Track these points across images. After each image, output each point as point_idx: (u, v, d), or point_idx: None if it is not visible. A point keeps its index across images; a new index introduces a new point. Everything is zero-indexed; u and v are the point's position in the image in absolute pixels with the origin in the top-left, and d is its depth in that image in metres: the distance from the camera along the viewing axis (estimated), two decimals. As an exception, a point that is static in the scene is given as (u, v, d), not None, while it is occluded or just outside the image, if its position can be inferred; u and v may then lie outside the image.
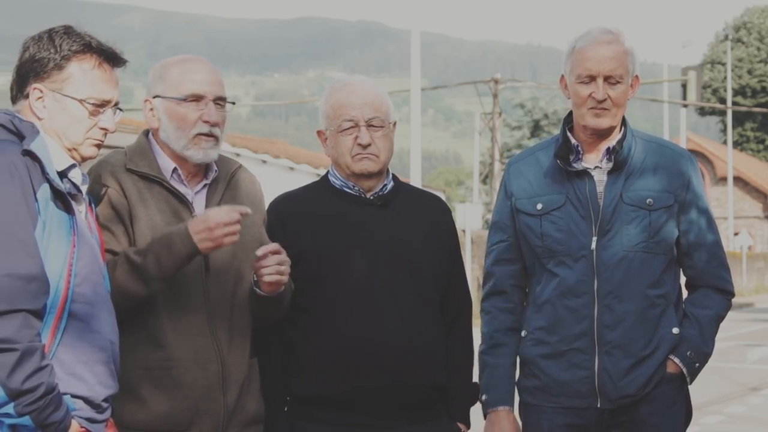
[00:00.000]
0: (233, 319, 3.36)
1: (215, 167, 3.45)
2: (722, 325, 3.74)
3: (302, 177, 25.23)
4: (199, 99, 3.34)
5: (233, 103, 3.47)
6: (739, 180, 53.94)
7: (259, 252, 3.27)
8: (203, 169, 3.43)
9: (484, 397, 3.67)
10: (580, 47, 3.54)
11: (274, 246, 3.29)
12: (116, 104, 3.00)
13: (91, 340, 2.85)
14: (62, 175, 2.87)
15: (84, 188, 2.95)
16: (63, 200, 2.83)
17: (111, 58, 2.98)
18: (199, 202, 3.39)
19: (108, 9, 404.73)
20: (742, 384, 13.78)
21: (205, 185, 3.42)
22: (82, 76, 2.92)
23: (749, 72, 62.70)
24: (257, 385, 3.45)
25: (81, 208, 2.94)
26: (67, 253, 2.79)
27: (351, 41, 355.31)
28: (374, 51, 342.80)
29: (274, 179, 18.52)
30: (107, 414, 2.93)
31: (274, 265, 3.26)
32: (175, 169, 3.37)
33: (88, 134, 2.93)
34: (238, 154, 22.34)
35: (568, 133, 3.64)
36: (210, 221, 3.16)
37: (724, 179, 52.04)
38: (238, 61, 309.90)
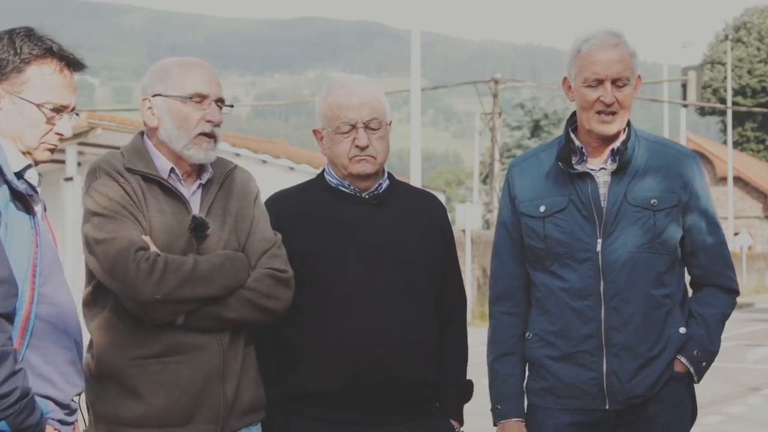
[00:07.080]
0: None
1: (210, 168, 3.44)
2: (723, 324, 3.75)
3: (302, 177, 25.03)
4: (202, 99, 3.35)
5: (231, 106, 3.47)
6: (739, 180, 53.95)
7: None
8: (197, 169, 3.42)
9: (497, 407, 3.66)
10: (586, 50, 3.53)
11: None
12: (73, 109, 2.96)
13: (58, 340, 2.80)
14: (18, 175, 2.81)
15: (40, 189, 2.89)
16: (22, 201, 2.78)
17: (72, 63, 2.93)
18: (194, 202, 3.38)
19: (108, 9, 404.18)
20: (742, 384, 13.78)
21: (200, 185, 3.42)
22: (41, 80, 2.87)
23: (749, 72, 62.69)
24: (252, 373, 3.41)
25: (38, 209, 2.87)
26: (30, 254, 2.74)
27: (351, 41, 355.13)
28: (374, 51, 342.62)
29: (274, 179, 18.48)
30: (75, 416, 2.90)
31: None
32: (172, 169, 3.36)
33: (44, 139, 2.88)
34: (238, 154, 22.29)
35: (572, 135, 3.64)
36: None
37: (724, 179, 52.03)
38: (238, 61, 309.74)
